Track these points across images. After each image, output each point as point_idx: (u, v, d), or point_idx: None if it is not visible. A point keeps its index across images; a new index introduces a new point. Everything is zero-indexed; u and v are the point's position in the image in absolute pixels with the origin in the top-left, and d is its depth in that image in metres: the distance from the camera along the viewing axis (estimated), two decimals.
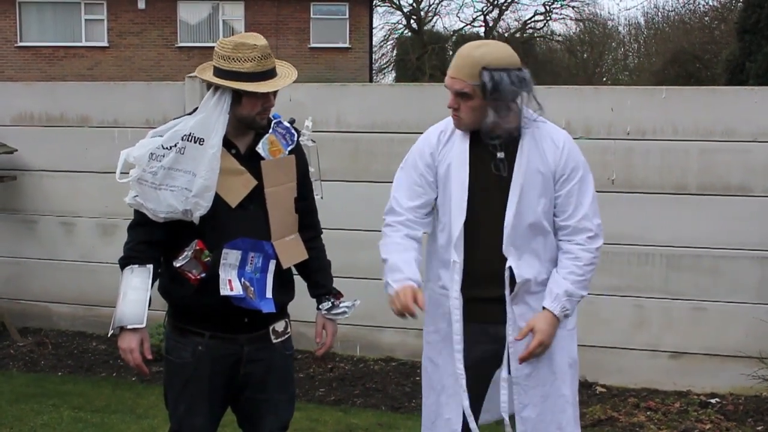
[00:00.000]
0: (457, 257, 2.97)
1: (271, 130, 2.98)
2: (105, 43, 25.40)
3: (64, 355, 6.27)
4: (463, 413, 3.04)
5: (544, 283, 3.02)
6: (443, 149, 3.04)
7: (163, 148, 2.82)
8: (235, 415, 3.20)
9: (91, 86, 7.43)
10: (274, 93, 2.90)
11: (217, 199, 2.86)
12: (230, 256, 2.88)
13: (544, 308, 2.97)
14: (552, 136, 3.02)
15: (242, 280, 2.89)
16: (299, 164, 3.06)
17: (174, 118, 2.98)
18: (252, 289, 2.91)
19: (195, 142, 2.81)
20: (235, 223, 2.89)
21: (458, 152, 3.00)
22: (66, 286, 6.70)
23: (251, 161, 2.93)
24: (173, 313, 3.05)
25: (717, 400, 5.34)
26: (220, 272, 2.86)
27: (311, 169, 3.16)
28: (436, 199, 3.07)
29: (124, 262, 2.95)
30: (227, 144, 2.89)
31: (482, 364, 3.07)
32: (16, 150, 6.55)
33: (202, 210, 2.83)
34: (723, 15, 26.99)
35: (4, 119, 6.68)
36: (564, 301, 2.96)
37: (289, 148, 3.01)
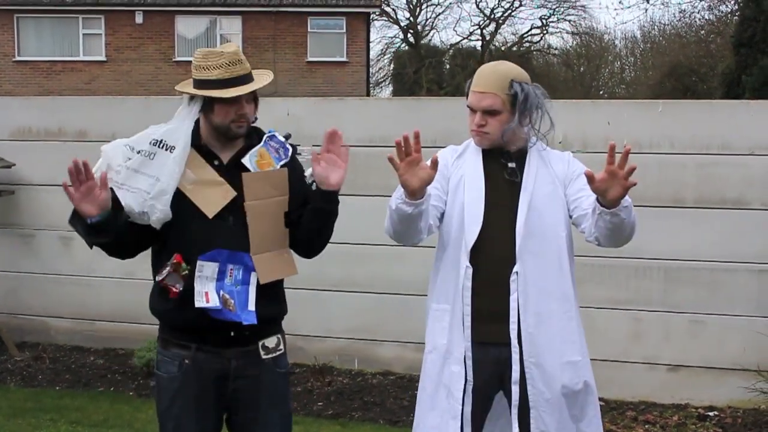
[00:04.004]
0: (469, 263, 2.98)
1: (262, 143, 2.95)
2: (103, 58, 25.44)
3: (61, 370, 6.25)
4: None
5: (561, 300, 3.01)
6: (456, 162, 3.10)
7: (131, 150, 2.85)
8: None
9: (89, 101, 7.45)
10: (249, 100, 2.87)
11: (195, 210, 2.84)
12: (206, 269, 2.84)
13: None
14: (556, 153, 3.14)
15: (221, 292, 2.84)
16: (294, 178, 3.00)
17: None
18: (232, 301, 2.85)
19: (166, 150, 2.83)
20: (211, 234, 2.85)
21: (472, 165, 3.07)
22: (64, 301, 6.70)
23: (234, 172, 2.89)
24: (161, 327, 3.02)
25: (715, 413, 5.33)
26: (195, 285, 2.82)
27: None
28: (442, 214, 3.07)
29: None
30: (209, 154, 2.89)
31: (484, 387, 3.04)
32: (14, 164, 6.56)
33: (159, 214, 2.80)
34: (719, 29, 27.09)
35: (3, 133, 6.69)
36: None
37: (281, 163, 2.96)
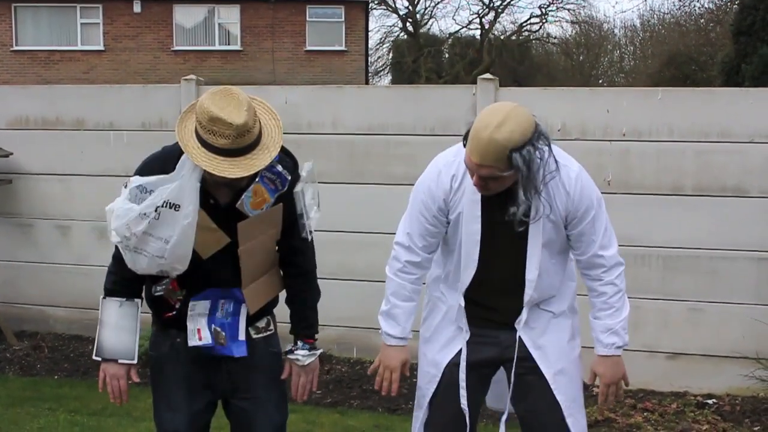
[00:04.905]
0: (463, 302, 3.00)
1: (258, 178, 2.81)
2: (101, 47, 25.39)
3: (60, 359, 6.25)
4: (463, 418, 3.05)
5: (563, 329, 3.11)
6: (455, 196, 2.90)
7: (140, 216, 2.73)
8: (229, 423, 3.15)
9: (87, 89, 7.42)
10: None
11: None
12: (198, 307, 2.90)
13: (598, 355, 3.08)
14: (564, 184, 2.85)
15: (213, 326, 2.90)
16: (288, 208, 2.94)
17: (166, 146, 2.90)
18: (223, 334, 2.91)
19: (171, 208, 2.72)
20: (205, 272, 2.85)
21: (470, 203, 2.88)
22: (62, 290, 6.68)
23: (230, 213, 2.82)
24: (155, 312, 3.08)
25: (714, 400, 5.34)
26: (188, 323, 2.88)
27: (299, 212, 2.99)
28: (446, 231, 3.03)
29: (110, 294, 3.02)
30: (205, 194, 2.78)
31: (482, 367, 3.07)
32: (12, 153, 6.54)
33: (179, 272, 2.81)
34: (718, 17, 27.04)
35: (0, 123, 6.67)
36: (608, 338, 3.15)
37: (277, 195, 2.86)
